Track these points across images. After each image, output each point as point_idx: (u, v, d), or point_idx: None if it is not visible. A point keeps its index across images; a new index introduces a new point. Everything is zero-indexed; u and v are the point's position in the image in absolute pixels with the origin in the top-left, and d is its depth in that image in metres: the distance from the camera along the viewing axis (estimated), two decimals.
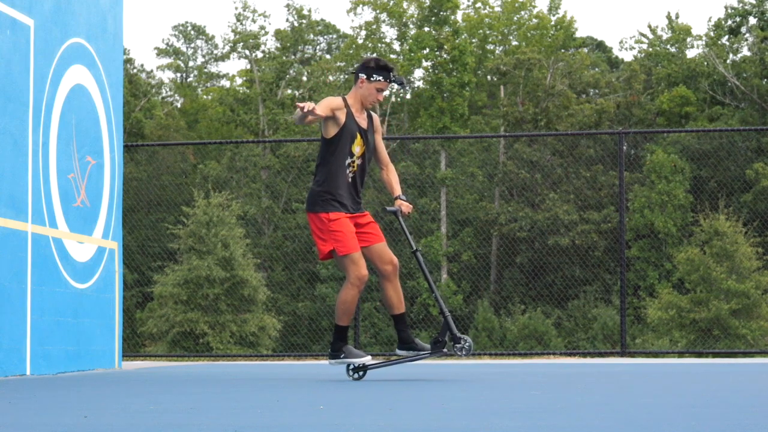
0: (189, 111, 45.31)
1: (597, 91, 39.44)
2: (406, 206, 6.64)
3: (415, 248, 6.55)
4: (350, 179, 6.54)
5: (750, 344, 23.88)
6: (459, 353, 6.40)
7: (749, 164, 32.65)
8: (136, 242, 30.17)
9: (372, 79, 6.48)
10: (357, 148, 6.56)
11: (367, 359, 6.58)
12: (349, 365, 6.60)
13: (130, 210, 29.57)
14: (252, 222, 34.33)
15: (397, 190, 6.67)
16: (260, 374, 7.67)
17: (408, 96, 40.56)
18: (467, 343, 6.42)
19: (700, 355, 15.81)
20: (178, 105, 47.41)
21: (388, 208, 6.64)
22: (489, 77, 41.40)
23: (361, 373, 6.58)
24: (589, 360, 11.63)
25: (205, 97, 47.26)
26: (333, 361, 6.60)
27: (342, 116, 6.52)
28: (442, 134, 36.66)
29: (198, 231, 24.63)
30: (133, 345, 25.94)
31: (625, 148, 18.54)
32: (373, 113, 6.76)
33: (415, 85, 40.94)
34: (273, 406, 4.59)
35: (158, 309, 24.69)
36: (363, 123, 6.59)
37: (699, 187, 32.52)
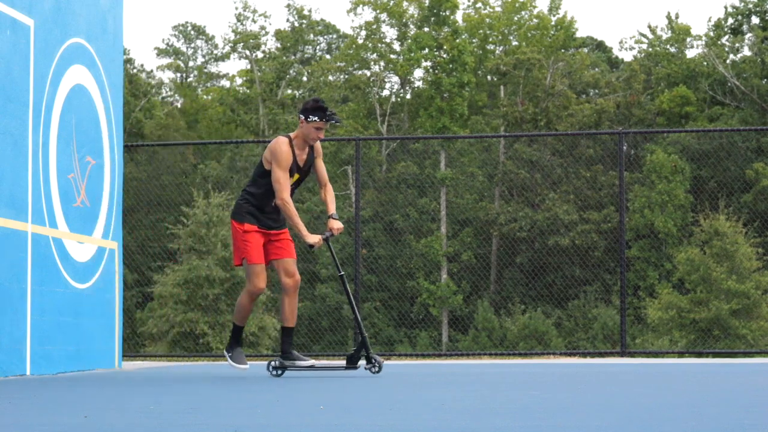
0: (189, 111, 45.29)
1: (597, 91, 39.43)
2: (337, 227, 7.23)
3: (341, 273, 7.22)
4: (274, 204, 7.23)
5: (750, 344, 23.87)
6: (372, 371, 7.12)
7: (749, 164, 32.65)
8: (136, 242, 30.16)
9: (309, 119, 7.14)
10: (289, 183, 7.29)
11: (245, 367, 7.38)
12: (269, 363, 7.33)
13: (130, 210, 29.55)
14: None
15: (332, 209, 7.30)
16: (260, 374, 7.66)
17: (408, 96, 40.55)
18: (378, 364, 7.11)
19: (700, 355, 15.80)
20: (178, 105, 47.40)
21: (324, 235, 7.20)
22: (489, 77, 41.39)
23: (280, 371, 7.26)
24: (589, 360, 11.63)
25: (205, 97, 47.24)
26: (228, 357, 7.43)
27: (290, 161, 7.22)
28: (442, 134, 36.65)
29: (198, 231, 24.63)
30: (133, 345, 25.94)
31: (625, 148, 18.53)
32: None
33: (415, 85, 40.96)
34: (273, 406, 4.59)
35: (158, 309, 24.66)
36: (302, 158, 7.30)
37: (699, 187, 32.51)
